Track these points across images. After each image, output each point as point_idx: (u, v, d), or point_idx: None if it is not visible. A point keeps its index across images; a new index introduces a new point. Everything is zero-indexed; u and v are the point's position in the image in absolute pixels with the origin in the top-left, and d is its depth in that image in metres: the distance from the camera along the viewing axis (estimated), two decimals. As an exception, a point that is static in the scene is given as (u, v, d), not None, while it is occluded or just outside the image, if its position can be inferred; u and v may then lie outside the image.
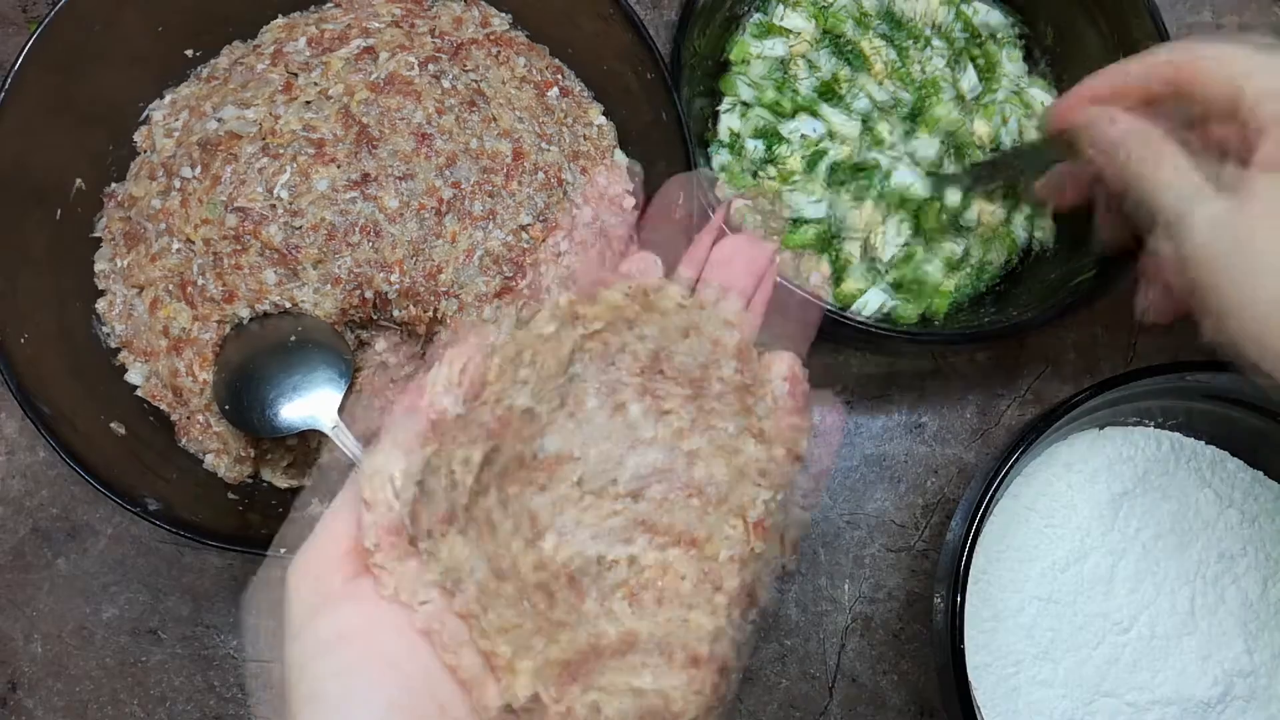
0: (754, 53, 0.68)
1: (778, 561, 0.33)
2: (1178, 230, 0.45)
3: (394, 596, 0.30)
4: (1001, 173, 0.64)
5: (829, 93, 0.68)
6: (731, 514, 0.32)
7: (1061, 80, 0.70)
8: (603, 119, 0.64)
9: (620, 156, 0.64)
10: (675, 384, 0.34)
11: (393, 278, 0.58)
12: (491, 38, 0.64)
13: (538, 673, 0.29)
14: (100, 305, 0.60)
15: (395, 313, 0.59)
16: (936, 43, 0.69)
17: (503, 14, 0.65)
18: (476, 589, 0.30)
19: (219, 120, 0.61)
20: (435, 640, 0.30)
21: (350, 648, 0.29)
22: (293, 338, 0.57)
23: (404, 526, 0.30)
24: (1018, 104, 0.69)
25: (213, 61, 0.63)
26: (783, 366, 0.34)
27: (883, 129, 0.67)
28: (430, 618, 0.29)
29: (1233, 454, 0.63)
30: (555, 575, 0.33)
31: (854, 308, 0.65)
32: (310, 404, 0.55)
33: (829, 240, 0.66)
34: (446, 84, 0.62)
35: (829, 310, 0.57)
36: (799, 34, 0.68)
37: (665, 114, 0.58)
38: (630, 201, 0.63)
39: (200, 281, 0.59)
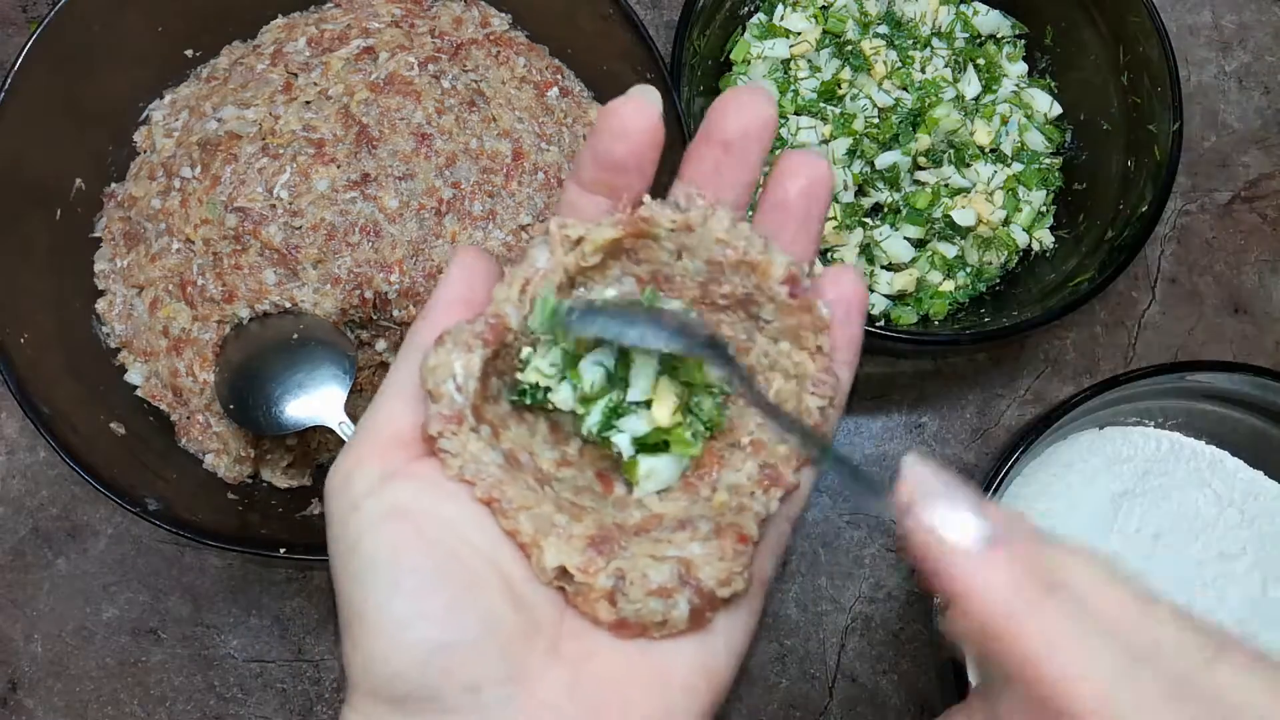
0: (756, 53, 0.68)
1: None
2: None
3: (458, 475, 0.31)
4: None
5: (830, 94, 0.68)
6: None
7: (1061, 81, 0.70)
8: (603, 119, 0.65)
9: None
10: (681, 299, 0.36)
11: (393, 278, 0.58)
12: (491, 38, 0.64)
13: (560, 547, 0.31)
14: (100, 305, 0.60)
15: (395, 313, 0.59)
16: (937, 44, 0.69)
17: (503, 14, 0.65)
18: (498, 472, 0.32)
19: (219, 120, 0.61)
20: (496, 509, 0.31)
21: (407, 521, 0.30)
22: (295, 336, 0.57)
23: (466, 416, 0.32)
24: (1018, 105, 0.69)
25: (213, 61, 0.63)
26: (777, 270, 0.33)
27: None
28: (491, 486, 0.31)
29: (1233, 454, 0.63)
30: (582, 471, 0.36)
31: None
32: (315, 401, 0.55)
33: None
34: (446, 84, 0.62)
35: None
36: (800, 35, 0.68)
37: (665, 113, 0.58)
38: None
39: (200, 281, 0.59)
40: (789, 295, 0.34)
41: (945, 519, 0.26)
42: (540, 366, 0.34)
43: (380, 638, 0.29)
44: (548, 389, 0.35)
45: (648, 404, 0.35)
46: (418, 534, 0.30)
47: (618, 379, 0.35)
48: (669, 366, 0.35)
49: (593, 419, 0.35)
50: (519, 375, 0.34)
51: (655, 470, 0.35)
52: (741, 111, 0.33)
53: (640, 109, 0.33)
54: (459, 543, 0.30)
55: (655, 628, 0.31)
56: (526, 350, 0.34)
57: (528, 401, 0.35)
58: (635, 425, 0.35)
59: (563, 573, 0.31)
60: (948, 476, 0.27)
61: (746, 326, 0.36)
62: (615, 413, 0.35)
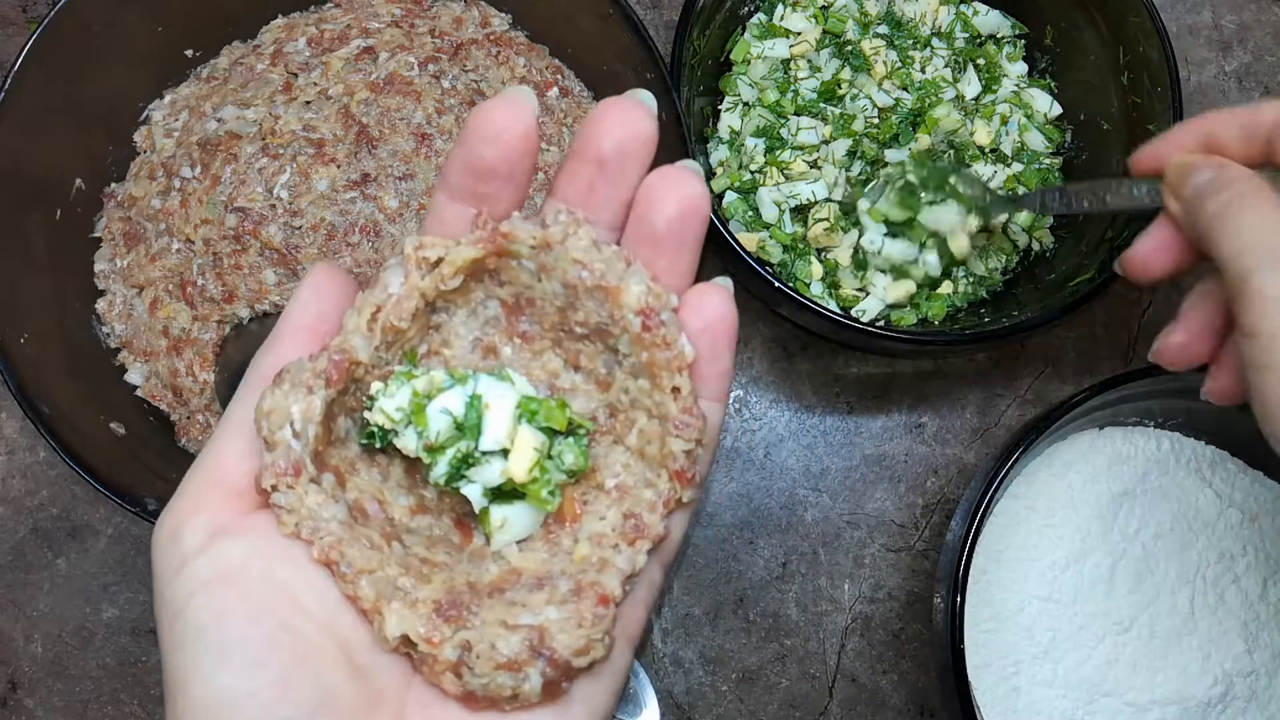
0: (756, 53, 0.68)
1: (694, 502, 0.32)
2: (1239, 294, 0.36)
3: (294, 533, 0.29)
4: (1079, 202, 0.56)
5: (830, 94, 0.68)
6: (651, 464, 0.32)
7: (1061, 81, 0.70)
8: (603, 119, 0.64)
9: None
10: (540, 327, 0.33)
11: (393, 278, 0.58)
12: (491, 38, 0.64)
13: (403, 615, 0.29)
14: (100, 305, 0.60)
15: (395, 313, 0.59)
16: (937, 44, 0.69)
17: (503, 14, 0.65)
18: (339, 529, 0.29)
19: (219, 120, 0.61)
20: (335, 572, 0.29)
21: (236, 584, 0.28)
22: (293, 338, 0.57)
23: (304, 466, 0.29)
24: (1018, 105, 0.69)
25: (213, 61, 0.63)
26: (631, 298, 0.30)
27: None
28: (330, 547, 0.29)
29: (1233, 454, 0.63)
30: (439, 517, 0.33)
31: (853, 311, 0.65)
32: (310, 404, 0.55)
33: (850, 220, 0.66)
34: (446, 84, 0.62)
35: (830, 314, 0.57)
36: (800, 35, 0.68)
37: (665, 114, 0.58)
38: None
39: (200, 281, 0.59)
40: (642, 328, 0.31)
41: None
42: (386, 408, 0.31)
43: (205, 716, 0.27)
44: (393, 432, 0.31)
45: (503, 452, 0.32)
46: (246, 600, 0.27)
47: (468, 428, 0.32)
48: (528, 412, 0.32)
49: (439, 469, 0.32)
50: (366, 414, 0.32)
51: (510, 520, 0.32)
52: (618, 126, 0.30)
53: (513, 111, 0.30)
54: (292, 610, 0.28)
55: (505, 701, 0.29)
56: (376, 385, 0.31)
57: (377, 444, 0.32)
58: (487, 475, 0.32)
59: (407, 640, 0.29)
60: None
61: (606, 359, 0.33)
62: (465, 462, 0.32)
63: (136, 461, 0.56)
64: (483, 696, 0.29)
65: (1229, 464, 0.62)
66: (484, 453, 0.32)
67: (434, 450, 0.31)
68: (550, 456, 0.33)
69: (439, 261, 0.31)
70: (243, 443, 0.30)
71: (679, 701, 0.64)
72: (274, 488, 0.29)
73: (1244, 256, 0.37)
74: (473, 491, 0.32)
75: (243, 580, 0.28)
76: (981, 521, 0.56)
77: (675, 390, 0.31)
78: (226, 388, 0.57)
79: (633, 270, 0.31)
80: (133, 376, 0.60)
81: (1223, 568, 0.60)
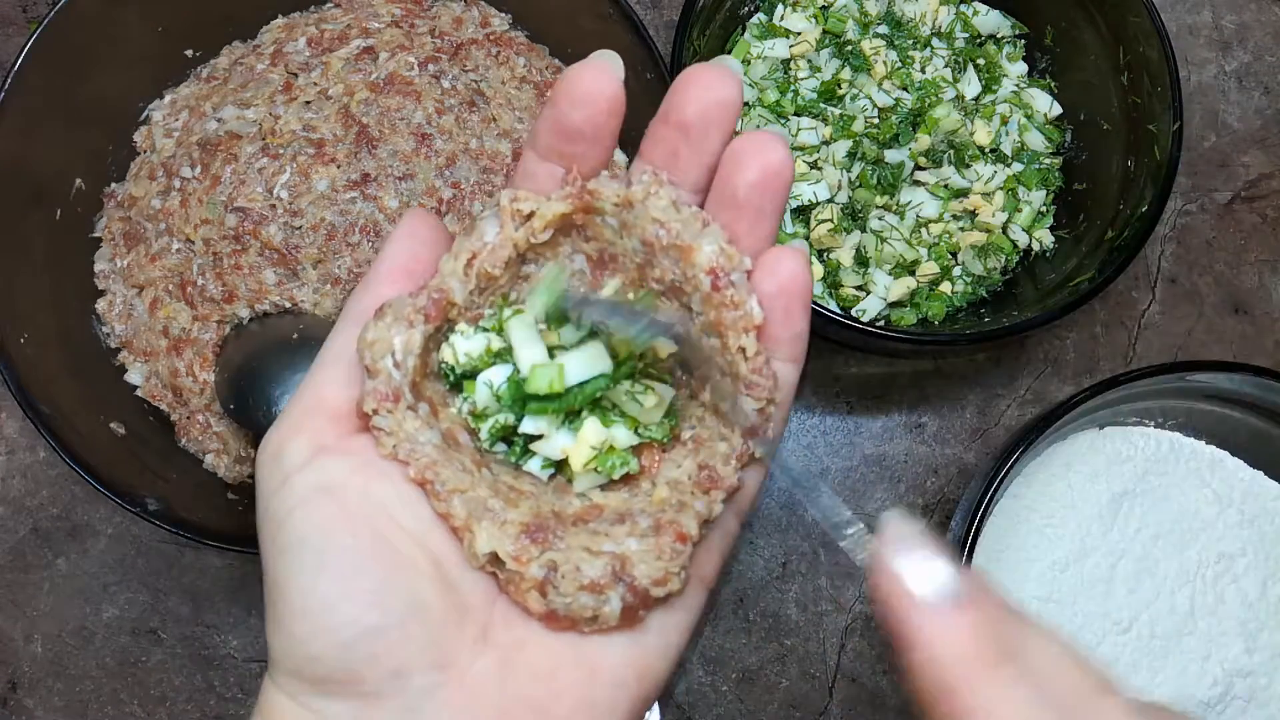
0: (756, 53, 0.68)
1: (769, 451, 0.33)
2: None
3: (392, 455, 0.30)
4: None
5: (830, 94, 0.68)
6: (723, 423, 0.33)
7: (1061, 81, 0.70)
8: (603, 119, 0.65)
9: (620, 156, 0.64)
10: (622, 281, 0.34)
11: (393, 278, 0.58)
12: (491, 38, 0.64)
13: (493, 533, 0.30)
14: (100, 305, 0.60)
15: (395, 313, 0.59)
16: (937, 44, 0.69)
17: (503, 14, 0.65)
18: (433, 452, 0.31)
19: (219, 120, 0.61)
20: (429, 491, 0.31)
21: (336, 498, 0.29)
22: (295, 336, 0.57)
23: (403, 393, 0.31)
24: (1018, 105, 0.69)
25: (213, 61, 0.63)
26: (703, 258, 0.31)
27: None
28: (425, 468, 0.30)
29: (1233, 454, 0.63)
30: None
31: (854, 311, 0.65)
32: (310, 404, 0.55)
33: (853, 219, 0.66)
34: (446, 84, 0.62)
35: (831, 314, 0.57)
36: (800, 35, 0.68)
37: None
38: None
39: (200, 281, 0.59)
40: (712, 287, 0.31)
41: (917, 570, 0.26)
42: (457, 348, 0.33)
43: (304, 619, 0.28)
44: (465, 375, 0.33)
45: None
46: (347, 513, 0.29)
47: (508, 403, 0.33)
48: (596, 403, 0.33)
49: (483, 432, 0.33)
50: (441, 351, 0.33)
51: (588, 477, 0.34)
52: (702, 92, 0.30)
53: (600, 74, 0.30)
54: (389, 524, 0.29)
55: (585, 623, 0.30)
56: (461, 326, 0.33)
57: (447, 383, 0.33)
58: (548, 450, 0.33)
59: (495, 559, 0.30)
60: (926, 535, 0.27)
61: (682, 317, 0.34)
62: (508, 431, 0.33)
63: (136, 461, 0.56)
64: (564, 616, 0.30)
65: (1229, 464, 0.62)
66: (524, 435, 0.33)
67: (477, 416, 0.33)
68: (613, 449, 0.33)
69: (531, 215, 0.32)
70: (341, 372, 0.31)
71: (679, 701, 0.64)
72: (375, 411, 0.30)
73: None
74: (532, 465, 0.34)
75: (343, 494, 0.29)
76: (981, 521, 0.56)
77: (741, 350, 0.32)
78: (227, 388, 0.57)
79: (708, 231, 0.32)
80: (133, 376, 0.60)
81: (1222, 568, 0.60)
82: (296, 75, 0.62)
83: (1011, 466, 0.56)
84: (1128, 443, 0.62)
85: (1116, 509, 0.60)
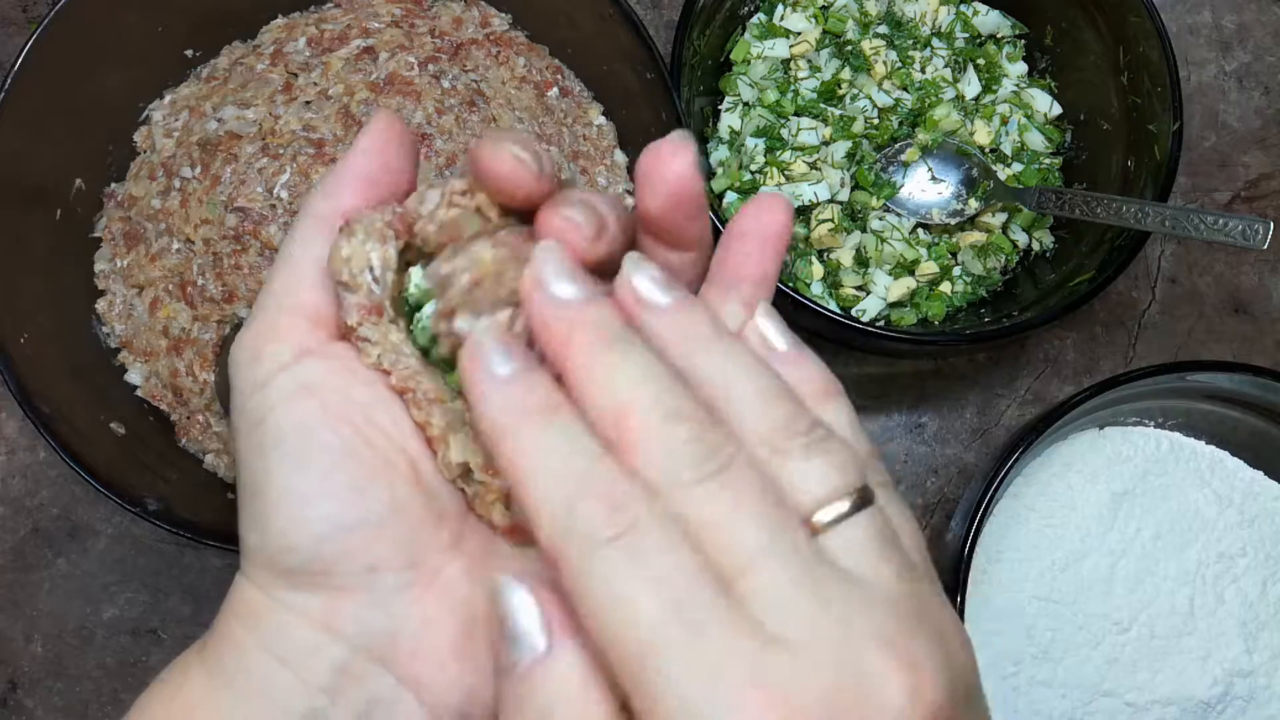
0: (756, 53, 0.68)
1: None
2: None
3: (376, 364, 0.31)
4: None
5: (830, 94, 0.68)
6: None
7: (1061, 81, 0.70)
8: (602, 119, 0.65)
9: (620, 156, 0.64)
10: None
11: (393, 278, 0.58)
12: (491, 38, 0.64)
13: (466, 445, 0.30)
14: (100, 305, 0.60)
15: (395, 313, 0.59)
16: (937, 44, 0.69)
17: (503, 14, 0.65)
18: (415, 363, 0.31)
19: (219, 120, 0.61)
20: (410, 400, 0.31)
21: (318, 398, 0.29)
22: (293, 338, 0.57)
23: (385, 308, 0.31)
24: (1018, 105, 0.69)
25: (213, 61, 0.63)
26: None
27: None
28: (408, 377, 0.31)
29: (1233, 454, 0.63)
30: None
31: (854, 311, 0.65)
32: (310, 404, 0.55)
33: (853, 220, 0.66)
34: (446, 84, 0.62)
35: (830, 314, 0.57)
36: (800, 35, 0.68)
37: (665, 114, 0.58)
38: (630, 201, 0.63)
39: (200, 281, 0.59)
40: None
41: (492, 347, 0.26)
42: (412, 276, 0.32)
43: (280, 512, 0.28)
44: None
45: None
46: (328, 412, 0.29)
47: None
48: None
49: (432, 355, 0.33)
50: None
51: None
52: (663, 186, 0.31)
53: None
54: (370, 426, 0.30)
55: None
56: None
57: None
58: None
59: (466, 472, 0.31)
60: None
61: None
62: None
63: (136, 461, 0.56)
64: (527, 530, 0.30)
65: (1228, 464, 0.62)
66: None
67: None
68: None
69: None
70: (310, 277, 0.31)
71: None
72: (359, 323, 0.31)
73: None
74: None
75: (325, 395, 0.29)
76: (981, 521, 0.56)
77: None
78: (226, 388, 0.57)
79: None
80: (133, 376, 0.60)
81: (1222, 568, 0.60)
82: (296, 75, 0.62)
83: (1011, 466, 0.56)
84: (1128, 443, 0.62)
85: (1116, 509, 0.60)
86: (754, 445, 0.25)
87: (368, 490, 0.29)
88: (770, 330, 0.29)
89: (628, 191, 0.63)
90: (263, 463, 0.29)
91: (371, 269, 0.31)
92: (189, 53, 0.63)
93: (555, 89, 0.64)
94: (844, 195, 0.66)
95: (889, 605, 0.24)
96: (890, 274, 0.66)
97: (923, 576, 0.26)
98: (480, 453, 0.31)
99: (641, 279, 0.27)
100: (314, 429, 0.29)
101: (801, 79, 0.68)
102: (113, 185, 0.62)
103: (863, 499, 0.25)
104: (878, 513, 0.26)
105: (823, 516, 0.25)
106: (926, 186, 0.67)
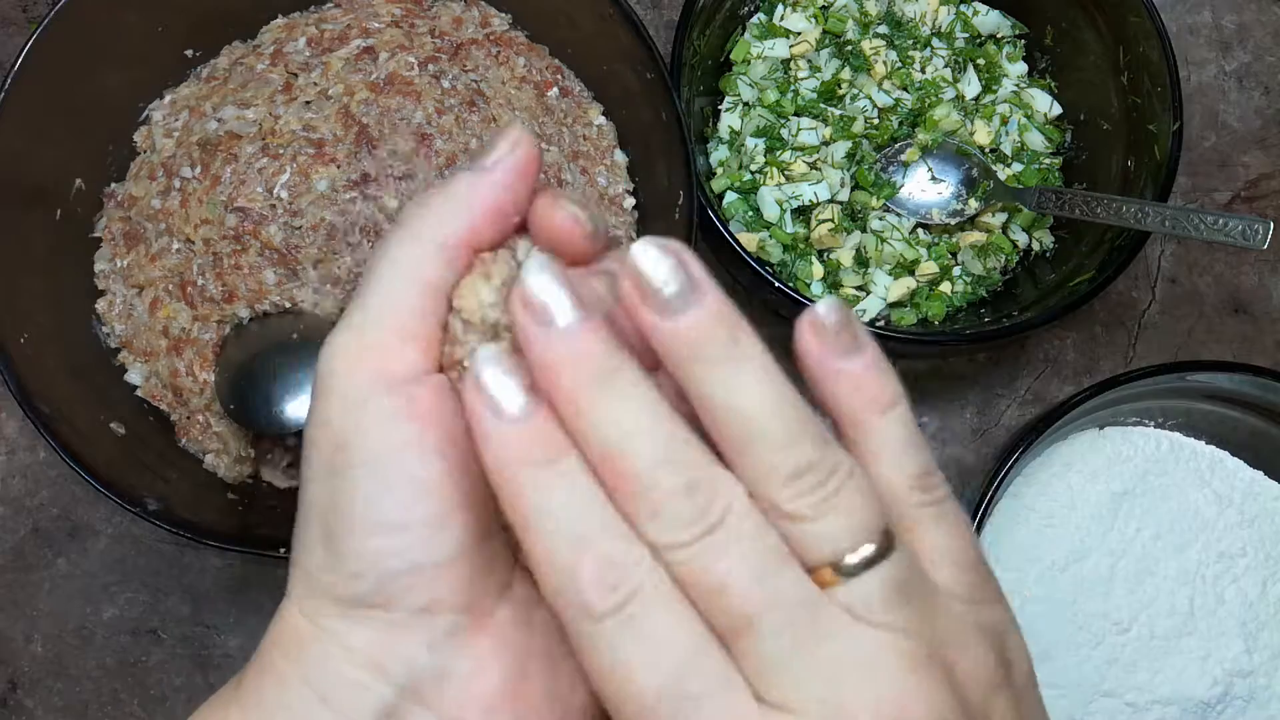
0: (756, 53, 0.68)
1: None
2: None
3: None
4: None
5: (830, 94, 0.68)
6: None
7: (1061, 81, 0.70)
8: (602, 119, 0.65)
9: (620, 156, 0.64)
10: None
11: (393, 278, 0.58)
12: (491, 38, 0.64)
13: None
14: (100, 305, 0.60)
15: (395, 313, 0.59)
16: (937, 44, 0.69)
17: (503, 14, 0.65)
18: None
19: (219, 120, 0.61)
20: None
21: (415, 426, 0.28)
22: (295, 336, 0.57)
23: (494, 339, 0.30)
24: (1018, 105, 0.69)
25: (213, 61, 0.63)
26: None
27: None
28: None
29: (1233, 454, 0.63)
30: None
31: (854, 311, 0.65)
32: (313, 402, 0.55)
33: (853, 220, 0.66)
34: (446, 84, 0.62)
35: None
36: (800, 35, 0.68)
37: (665, 114, 0.58)
38: (630, 201, 0.63)
39: (200, 281, 0.59)
40: None
41: (498, 380, 0.26)
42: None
43: (355, 536, 0.28)
44: None
45: None
46: (424, 443, 0.28)
47: None
48: None
49: None
50: None
51: None
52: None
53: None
54: (455, 461, 0.29)
55: None
56: None
57: None
58: None
59: None
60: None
61: None
62: None
63: (136, 461, 0.56)
64: None
65: (1229, 464, 0.62)
66: None
67: None
68: None
69: None
70: (420, 302, 0.29)
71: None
72: (466, 365, 0.30)
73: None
74: None
75: (424, 424, 0.28)
76: (981, 521, 0.56)
77: None
78: (227, 388, 0.57)
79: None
80: (133, 376, 0.60)
81: (1222, 568, 0.60)
82: (296, 75, 0.62)
83: (1011, 466, 0.56)
84: (1128, 443, 0.62)
85: (1116, 509, 0.60)
86: (765, 490, 0.25)
87: (442, 528, 0.28)
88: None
89: (627, 191, 0.63)
90: (343, 483, 0.28)
91: (491, 306, 0.30)
92: (189, 53, 0.63)
93: (555, 89, 0.64)
94: (844, 195, 0.66)
95: (896, 659, 0.24)
96: (890, 274, 0.66)
97: (957, 598, 0.26)
98: None
99: (649, 263, 0.25)
100: (407, 458, 0.28)
101: (801, 79, 0.68)
102: (113, 185, 0.62)
103: (881, 549, 0.25)
104: (900, 559, 0.25)
105: (838, 567, 0.24)
106: (926, 186, 0.67)
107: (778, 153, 0.66)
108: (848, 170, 0.67)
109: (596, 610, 0.24)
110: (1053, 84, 0.70)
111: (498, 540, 0.30)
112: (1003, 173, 0.68)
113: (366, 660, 0.28)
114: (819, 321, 0.27)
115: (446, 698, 0.28)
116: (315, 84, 0.61)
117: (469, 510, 0.29)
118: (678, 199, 0.57)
